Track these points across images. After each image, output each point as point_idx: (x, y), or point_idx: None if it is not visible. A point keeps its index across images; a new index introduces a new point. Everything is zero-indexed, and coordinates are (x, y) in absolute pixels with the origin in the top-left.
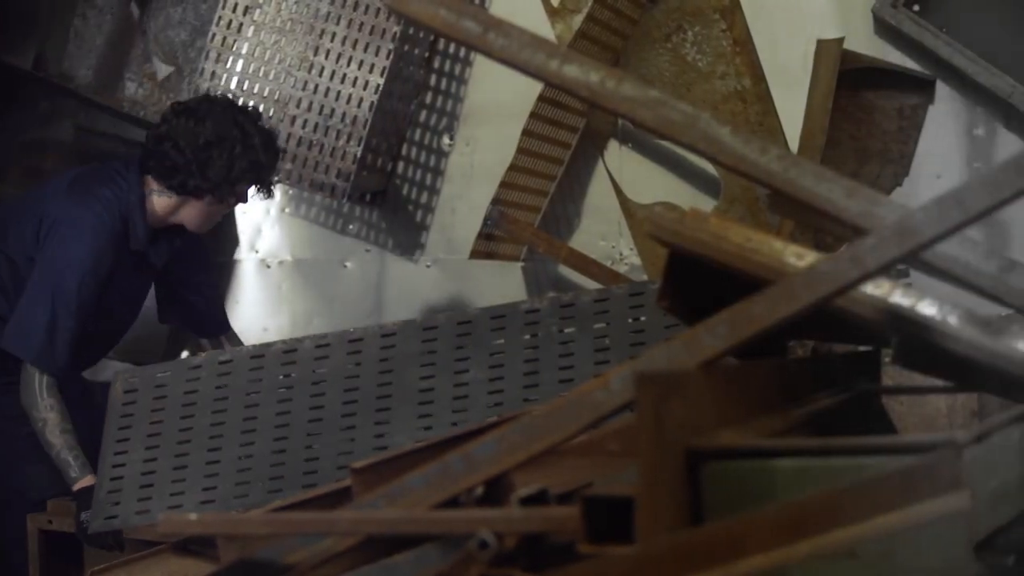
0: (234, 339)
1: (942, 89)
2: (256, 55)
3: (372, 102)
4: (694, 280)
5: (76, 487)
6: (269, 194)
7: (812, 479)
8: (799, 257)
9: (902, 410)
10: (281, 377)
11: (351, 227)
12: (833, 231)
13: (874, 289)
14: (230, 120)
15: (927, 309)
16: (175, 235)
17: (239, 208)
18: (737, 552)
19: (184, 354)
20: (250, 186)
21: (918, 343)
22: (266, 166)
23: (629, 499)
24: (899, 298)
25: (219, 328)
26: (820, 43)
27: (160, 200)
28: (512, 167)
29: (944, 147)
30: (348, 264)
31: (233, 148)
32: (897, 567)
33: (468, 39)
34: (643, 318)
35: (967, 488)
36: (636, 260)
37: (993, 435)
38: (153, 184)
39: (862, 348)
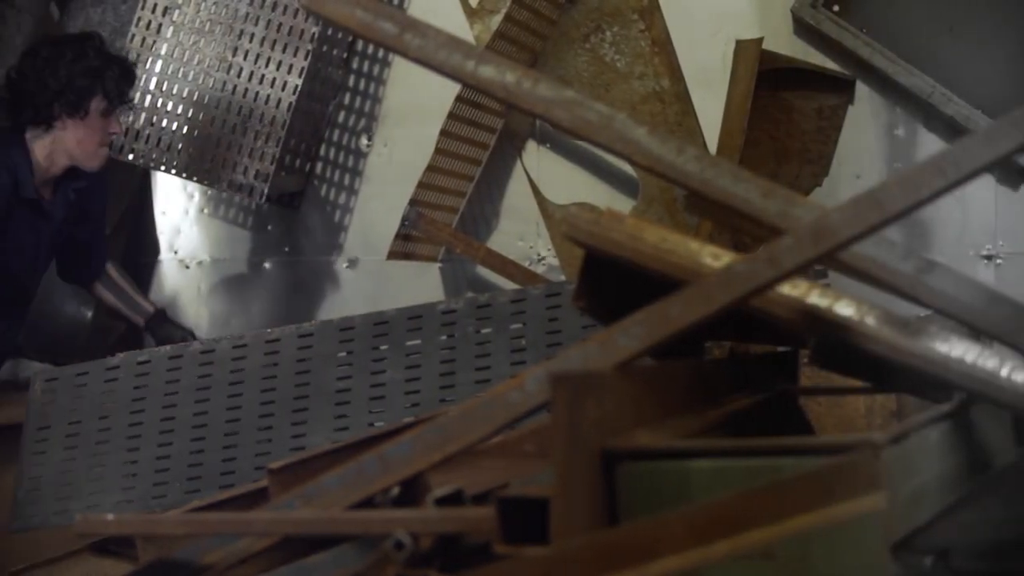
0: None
1: (862, 89)
2: (175, 56)
3: (290, 103)
4: (611, 281)
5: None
6: (126, 103)
7: (728, 480)
8: (715, 257)
9: (820, 411)
10: (199, 378)
11: (269, 228)
12: (751, 232)
13: (791, 290)
14: (62, 43)
15: (844, 310)
16: (71, 183)
17: (158, 209)
18: (652, 553)
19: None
20: (93, 92)
21: (836, 344)
22: (102, 69)
23: (544, 500)
24: (816, 299)
25: (96, 273)
26: (739, 43)
27: (37, 144)
28: (430, 168)
29: (864, 147)
30: (266, 265)
31: (65, 57)
32: (814, 568)
33: (384, 40)
34: (560, 319)
35: (884, 489)
36: (554, 260)
37: (911, 436)
38: (27, 133)
39: (780, 349)
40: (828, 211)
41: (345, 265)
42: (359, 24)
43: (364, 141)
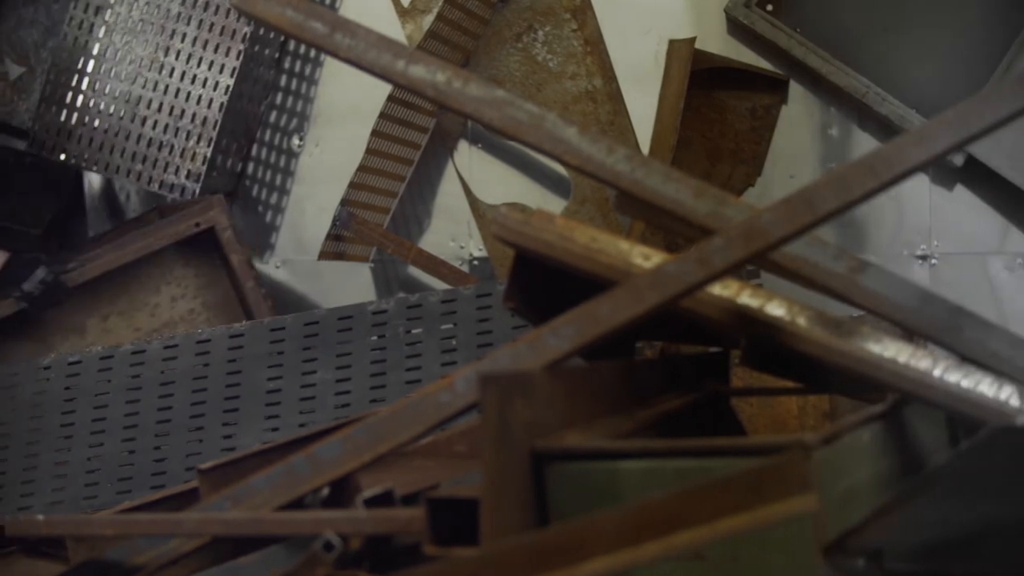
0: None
1: (796, 89)
2: (107, 55)
3: (222, 103)
4: (541, 281)
5: None
6: None
7: (659, 481)
8: (646, 258)
9: (752, 411)
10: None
11: None
12: (683, 232)
13: (722, 290)
14: None
15: (776, 310)
16: None
17: (90, 209)
18: (582, 554)
19: None
20: None
21: (767, 344)
22: None
23: (474, 501)
24: (747, 299)
25: None
26: (672, 43)
27: None
28: (361, 168)
29: (798, 147)
30: None
31: None
32: (745, 569)
33: (315, 40)
34: (490, 319)
35: (815, 490)
36: (486, 261)
37: (843, 437)
38: None
39: (711, 349)
40: (759, 211)
41: (276, 265)
42: (290, 24)
43: (295, 141)
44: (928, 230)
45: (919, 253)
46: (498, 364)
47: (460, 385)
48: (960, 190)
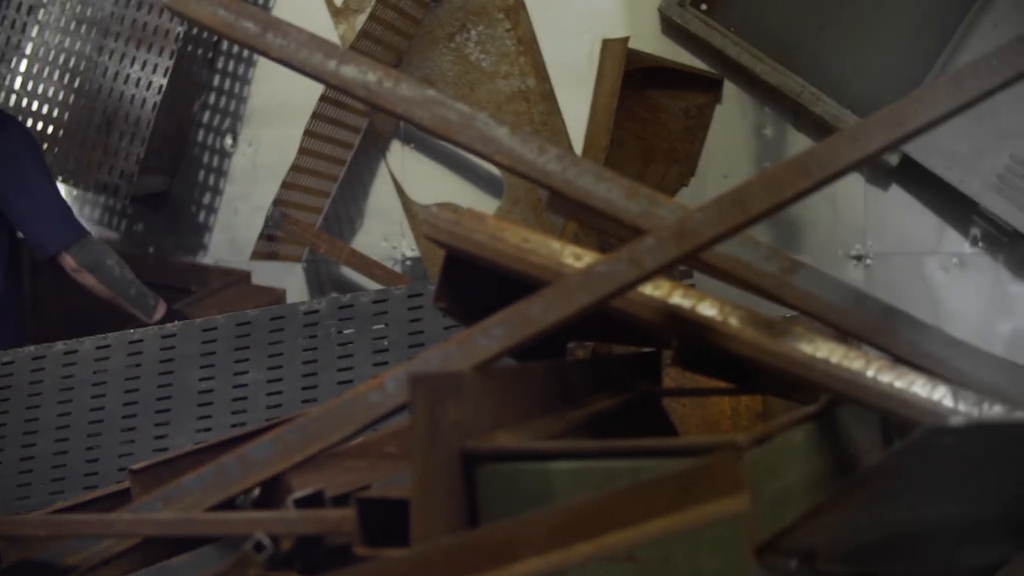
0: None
1: (730, 88)
2: (40, 55)
3: (155, 103)
4: (473, 281)
5: (160, 312)
6: None
7: (589, 481)
8: (577, 258)
9: (685, 412)
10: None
11: (134, 228)
12: (616, 233)
13: (654, 290)
14: None
15: (708, 310)
16: None
17: None
18: (513, 555)
19: None
20: None
21: (699, 345)
22: None
23: (404, 501)
24: (679, 299)
25: (44, 251)
26: (606, 43)
27: None
28: (294, 168)
29: (732, 147)
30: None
31: None
32: (676, 570)
33: (246, 39)
34: (422, 319)
35: (747, 491)
36: (418, 261)
37: (776, 437)
38: None
39: (644, 349)
40: (691, 211)
41: (211, 264)
42: (221, 24)
43: (228, 141)
44: (863, 230)
45: (854, 253)
46: (428, 364)
47: (390, 385)
48: (895, 190)
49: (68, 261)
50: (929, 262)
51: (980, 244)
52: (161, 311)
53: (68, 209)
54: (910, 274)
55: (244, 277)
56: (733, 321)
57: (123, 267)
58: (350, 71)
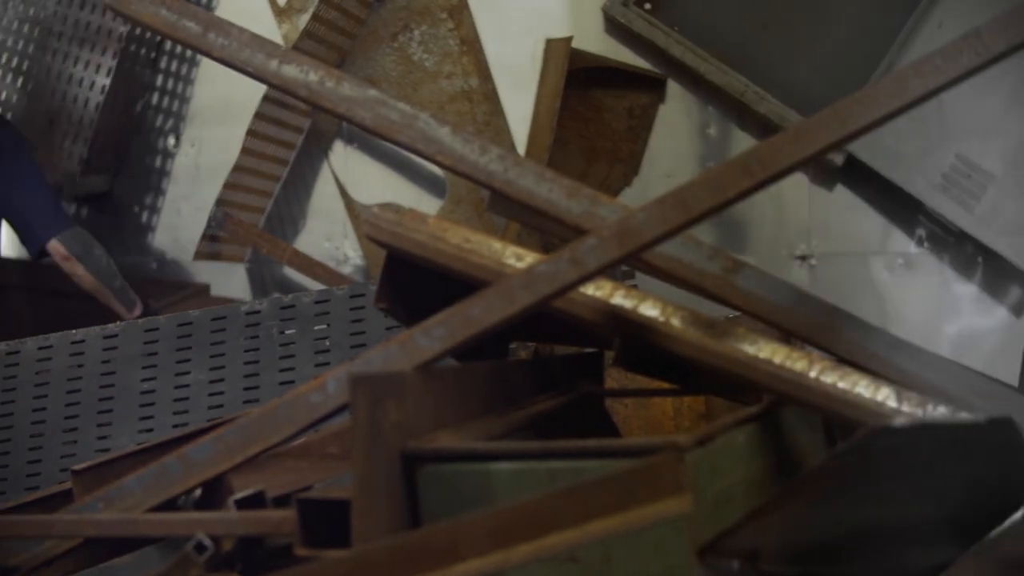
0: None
1: (674, 88)
2: None
3: (98, 103)
4: (415, 282)
5: (138, 310)
6: None
7: (531, 482)
8: (519, 258)
9: (627, 412)
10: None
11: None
12: (558, 233)
13: (595, 290)
14: None
15: (650, 311)
16: None
17: None
18: (454, 556)
19: None
20: None
21: (641, 345)
22: None
23: (345, 502)
24: (621, 299)
25: (35, 241)
26: (549, 42)
27: None
28: (236, 168)
29: (676, 146)
30: None
31: None
32: (618, 571)
33: (188, 39)
34: (364, 319)
35: (689, 491)
36: (360, 261)
37: (718, 438)
38: None
39: (586, 350)
40: (633, 211)
41: (152, 266)
42: (163, 24)
43: (171, 141)
44: (808, 230)
45: (799, 253)
46: (369, 365)
47: (331, 386)
48: (840, 190)
49: (59, 249)
50: (874, 262)
51: (925, 244)
52: (139, 309)
53: (59, 200)
54: (855, 274)
55: (203, 290)
56: (675, 321)
57: (108, 259)
58: (292, 71)
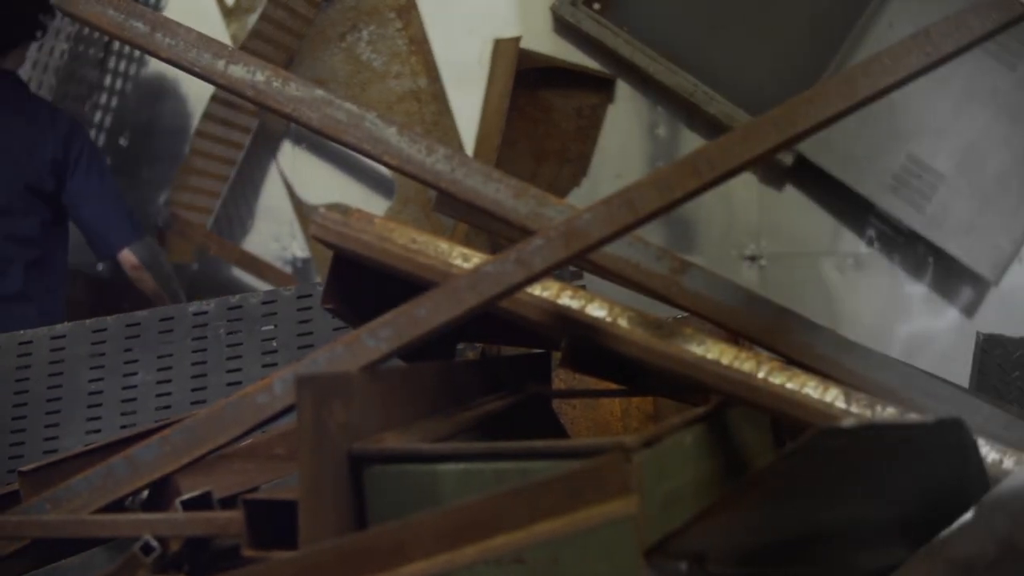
0: (146, 253)
1: (623, 88)
2: None
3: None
4: (362, 282)
5: None
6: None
7: (477, 483)
8: (465, 259)
9: (575, 414)
10: None
11: None
12: (505, 234)
13: (542, 291)
14: None
15: (596, 311)
16: None
17: None
18: (400, 557)
19: None
20: None
21: (588, 346)
22: None
23: (292, 503)
24: (567, 300)
25: (108, 249)
26: (497, 42)
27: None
28: (184, 168)
29: (625, 147)
30: None
31: None
32: (565, 573)
33: (135, 39)
34: (312, 320)
35: (636, 493)
36: (309, 262)
37: (665, 439)
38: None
39: (534, 351)
40: (579, 211)
41: (100, 266)
42: (110, 23)
43: (121, 141)
44: (757, 230)
45: (748, 254)
46: (315, 366)
47: (278, 387)
48: (790, 190)
49: (130, 258)
50: (824, 263)
51: (876, 244)
52: None
53: (131, 208)
54: (805, 275)
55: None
56: (622, 322)
57: (170, 267)
58: (238, 71)
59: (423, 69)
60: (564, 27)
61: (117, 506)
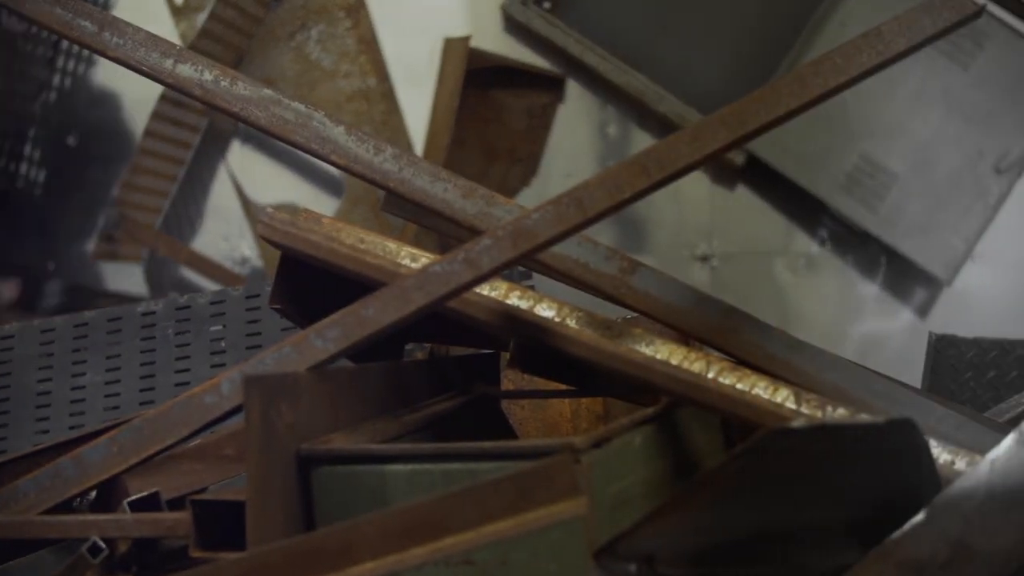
0: None
1: (573, 87)
2: None
3: None
4: (310, 283)
5: None
6: None
7: (425, 484)
8: (414, 259)
9: (524, 414)
10: None
11: None
12: (453, 234)
13: (491, 291)
14: None
15: (545, 311)
16: None
17: None
18: (349, 558)
19: None
20: None
21: (537, 346)
22: None
23: (240, 504)
24: (516, 300)
25: None
26: (447, 41)
27: None
28: (133, 168)
29: (575, 146)
30: None
31: None
32: (515, 574)
33: (83, 38)
34: (260, 320)
35: (585, 494)
36: (258, 261)
37: (614, 439)
38: None
39: (482, 351)
40: (528, 211)
41: (51, 266)
42: (58, 22)
43: (70, 140)
44: (709, 230)
45: (700, 254)
46: (263, 366)
47: (225, 387)
48: (742, 190)
49: None
50: (776, 263)
51: (828, 244)
52: None
53: None
54: (757, 275)
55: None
56: (571, 322)
57: None
58: (186, 70)
59: (372, 68)
60: (514, 26)
61: (65, 507)
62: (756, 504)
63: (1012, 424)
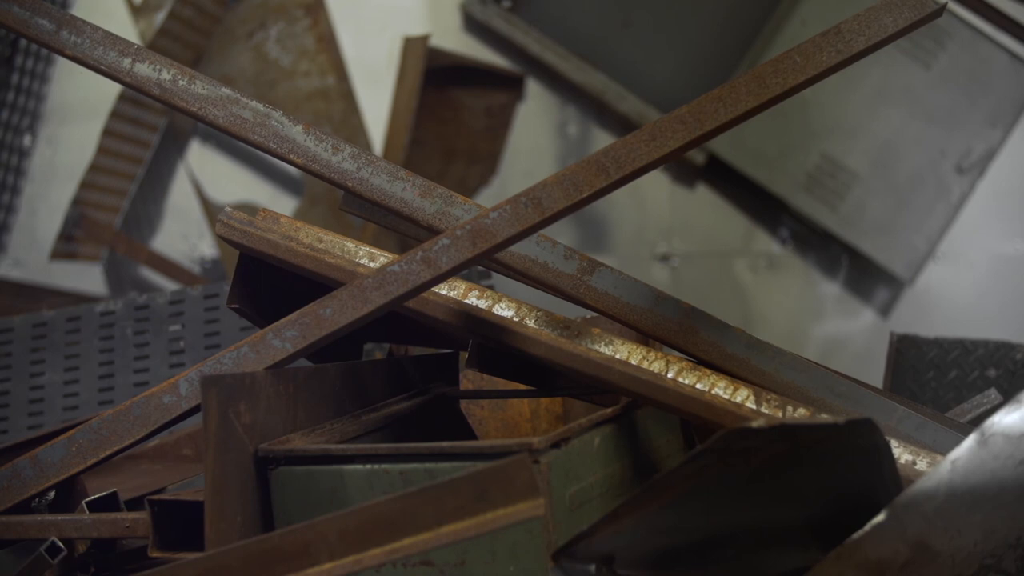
0: None
1: (533, 87)
2: None
3: None
4: (269, 282)
5: None
6: None
7: (383, 484)
8: (372, 258)
9: (484, 414)
10: None
11: None
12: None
13: (450, 291)
14: None
15: (504, 311)
16: None
17: None
18: (307, 559)
19: None
20: None
21: (496, 346)
22: None
23: (199, 504)
24: (475, 300)
25: None
26: (407, 40)
27: None
28: (92, 167)
29: (535, 145)
30: None
31: None
32: (472, 574)
33: (40, 37)
34: (219, 320)
35: (543, 494)
36: (218, 261)
37: (573, 440)
38: None
39: (441, 351)
40: (486, 211)
41: (9, 266)
42: (15, 21)
43: (27, 140)
44: (669, 230)
45: (660, 253)
46: (221, 366)
47: (183, 387)
48: (702, 189)
49: None
50: (737, 262)
51: (789, 244)
52: None
53: None
54: (718, 274)
55: None
56: (530, 322)
57: None
58: (144, 69)
59: (331, 67)
60: (474, 25)
61: (23, 508)
62: (716, 504)
63: (973, 424)
